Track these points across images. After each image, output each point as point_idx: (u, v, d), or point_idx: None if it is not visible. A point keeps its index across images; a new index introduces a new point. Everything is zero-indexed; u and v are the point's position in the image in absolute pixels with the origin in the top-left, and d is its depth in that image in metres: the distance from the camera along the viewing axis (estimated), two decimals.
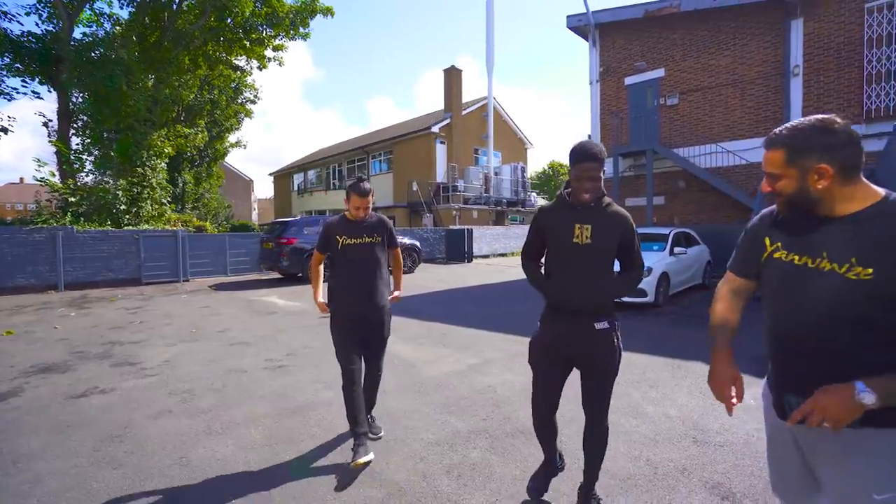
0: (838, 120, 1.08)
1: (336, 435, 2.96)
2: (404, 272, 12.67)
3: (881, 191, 1.08)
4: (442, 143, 23.76)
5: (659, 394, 3.61)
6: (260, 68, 17.48)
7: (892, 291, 0.99)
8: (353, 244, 2.64)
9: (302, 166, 33.55)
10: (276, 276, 11.77)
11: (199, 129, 18.80)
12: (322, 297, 2.82)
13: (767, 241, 1.23)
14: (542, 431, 2.18)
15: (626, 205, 12.78)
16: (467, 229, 18.16)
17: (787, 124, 1.14)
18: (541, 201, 33.11)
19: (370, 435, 2.80)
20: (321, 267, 2.86)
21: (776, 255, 1.20)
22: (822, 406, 1.01)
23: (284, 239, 10.22)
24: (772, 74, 10.22)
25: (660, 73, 12.11)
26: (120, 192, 11.73)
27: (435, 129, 23.00)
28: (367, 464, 2.43)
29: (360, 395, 2.61)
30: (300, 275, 10.67)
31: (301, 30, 15.07)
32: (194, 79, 17.41)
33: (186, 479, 2.42)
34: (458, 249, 17.95)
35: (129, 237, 10.82)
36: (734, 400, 1.23)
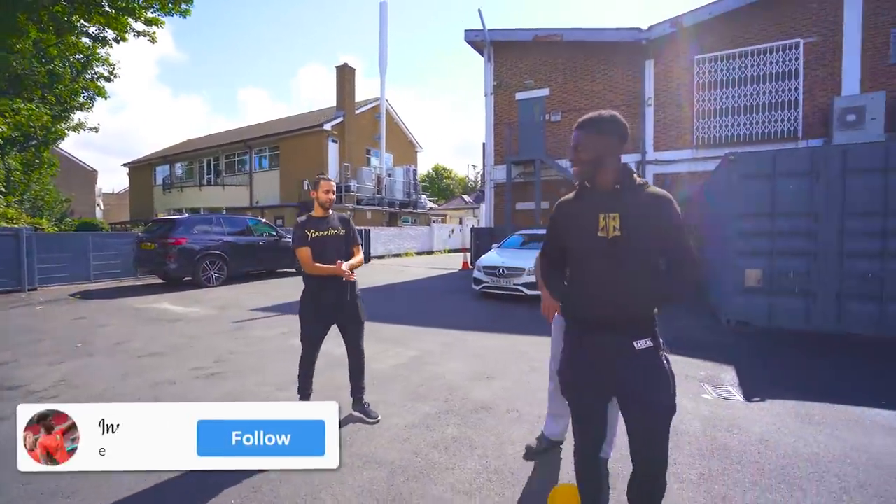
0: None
1: None
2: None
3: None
4: (334, 141, 23.15)
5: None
6: (117, 40, 15.06)
7: None
8: (321, 236, 2.93)
9: (167, 158, 29.54)
10: (158, 281, 10.40)
11: (39, 104, 15.44)
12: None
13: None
14: (585, 479, 1.70)
15: (517, 208, 14.13)
16: (364, 230, 18.09)
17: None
18: (430, 204, 34.22)
19: (368, 419, 3.04)
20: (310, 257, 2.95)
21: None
22: None
23: (172, 239, 9.11)
24: (633, 102, 12.32)
25: (545, 92, 13.66)
26: None
27: (327, 126, 22.32)
28: None
29: (310, 379, 3.07)
30: (189, 279, 9.64)
31: (182, 6, 13.38)
32: (25, 41, 14.23)
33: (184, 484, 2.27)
34: None
35: None
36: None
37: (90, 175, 40.75)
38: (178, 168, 29.44)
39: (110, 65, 20.08)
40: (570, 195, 1.69)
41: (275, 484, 2.30)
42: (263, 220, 12.43)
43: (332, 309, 2.98)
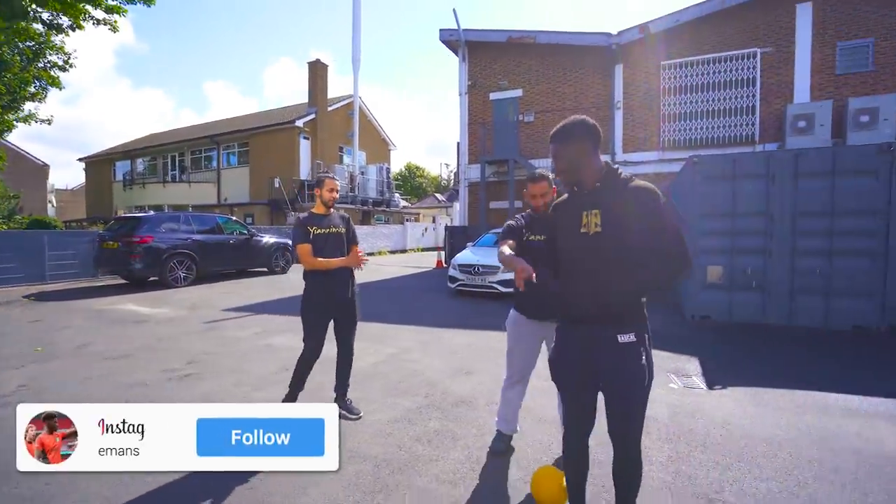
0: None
1: None
2: (276, 272, 11.99)
3: None
4: (306, 138, 22.76)
5: None
6: (73, 27, 14.33)
7: None
8: (323, 234, 2.94)
9: (128, 153, 28.28)
10: (121, 281, 9.98)
11: None
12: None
13: None
14: (570, 463, 1.81)
15: (491, 207, 14.31)
16: None
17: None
18: (403, 202, 34.11)
19: (351, 416, 3.04)
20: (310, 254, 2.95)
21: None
22: None
23: (137, 237, 8.76)
24: (602, 105, 12.70)
25: (518, 92, 13.88)
26: None
27: (299, 123, 21.92)
28: None
29: (306, 376, 3.03)
30: (155, 279, 9.30)
31: None
32: None
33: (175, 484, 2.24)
34: None
35: None
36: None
37: (41, 170, 38.43)
38: (140, 164, 28.23)
39: (65, 53, 19.01)
40: (564, 197, 1.79)
41: (262, 479, 2.31)
42: (234, 218, 12.12)
43: (335, 306, 3.01)
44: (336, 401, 3.14)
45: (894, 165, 5.17)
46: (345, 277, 3.03)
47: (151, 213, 9.87)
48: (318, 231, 2.94)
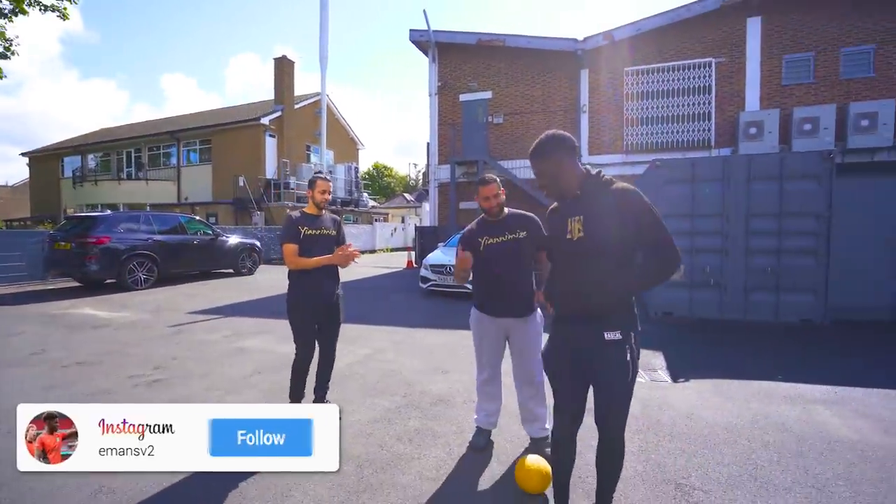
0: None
1: None
2: (243, 273, 11.65)
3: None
4: (272, 136, 22.17)
5: None
6: (16, 12, 13.40)
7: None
8: (314, 235, 2.90)
9: (78, 148, 26.67)
10: (74, 284, 9.44)
11: None
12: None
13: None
14: (558, 451, 1.88)
15: (461, 208, 14.43)
16: None
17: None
18: (372, 202, 33.82)
19: None
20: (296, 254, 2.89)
21: None
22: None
23: (93, 238, 8.31)
24: (569, 109, 13.07)
25: (488, 94, 14.07)
26: None
27: (265, 120, 21.33)
28: None
29: (304, 381, 2.99)
30: (112, 281, 8.86)
31: None
32: None
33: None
34: None
35: None
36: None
37: None
38: (92, 160, 26.71)
39: (6, 39, 17.75)
40: (555, 205, 1.89)
41: (248, 482, 2.28)
42: (197, 217, 11.68)
43: (322, 307, 2.95)
44: (315, 402, 3.12)
45: (834, 171, 5.60)
46: (331, 278, 2.99)
47: (108, 212, 9.37)
48: (309, 232, 2.89)
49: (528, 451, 2.60)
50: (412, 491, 2.26)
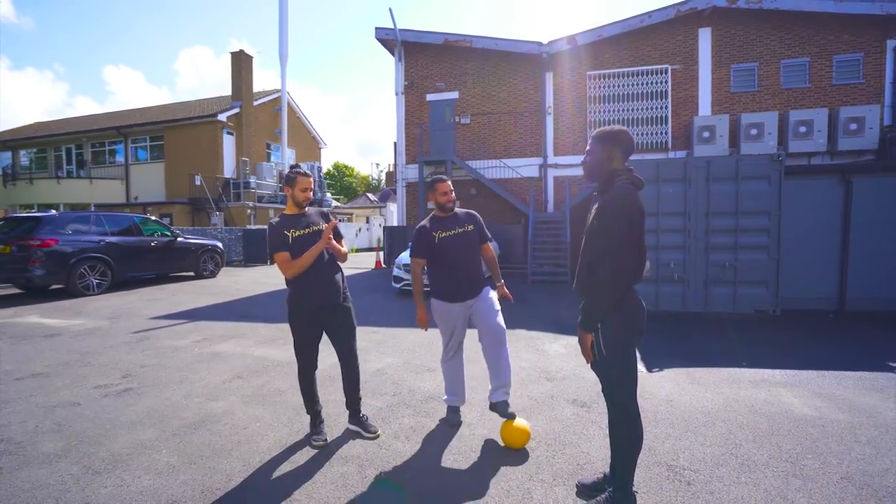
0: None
1: (269, 435, 2.86)
2: (205, 276, 11.19)
3: None
4: (230, 133, 21.33)
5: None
6: None
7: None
8: (303, 235, 2.69)
9: (8, 143, 24.56)
10: (15, 291, 8.70)
11: None
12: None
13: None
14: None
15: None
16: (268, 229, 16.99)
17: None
18: (335, 202, 33.18)
19: (367, 434, 2.83)
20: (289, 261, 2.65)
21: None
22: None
23: (38, 240, 7.69)
24: (535, 110, 13.37)
25: (455, 95, 14.15)
26: None
27: (222, 117, 20.47)
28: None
29: (314, 392, 2.86)
30: (60, 286, 8.24)
31: None
32: None
33: None
34: (258, 251, 16.63)
35: None
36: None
37: None
38: (25, 156, 24.68)
39: None
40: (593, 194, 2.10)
41: (248, 480, 2.21)
42: (153, 217, 11.05)
43: (326, 310, 2.74)
44: (350, 419, 2.91)
45: (783, 173, 6.07)
46: (333, 277, 2.77)
47: (52, 212, 8.70)
48: (298, 233, 2.66)
49: (500, 414, 2.79)
50: (420, 486, 2.27)
